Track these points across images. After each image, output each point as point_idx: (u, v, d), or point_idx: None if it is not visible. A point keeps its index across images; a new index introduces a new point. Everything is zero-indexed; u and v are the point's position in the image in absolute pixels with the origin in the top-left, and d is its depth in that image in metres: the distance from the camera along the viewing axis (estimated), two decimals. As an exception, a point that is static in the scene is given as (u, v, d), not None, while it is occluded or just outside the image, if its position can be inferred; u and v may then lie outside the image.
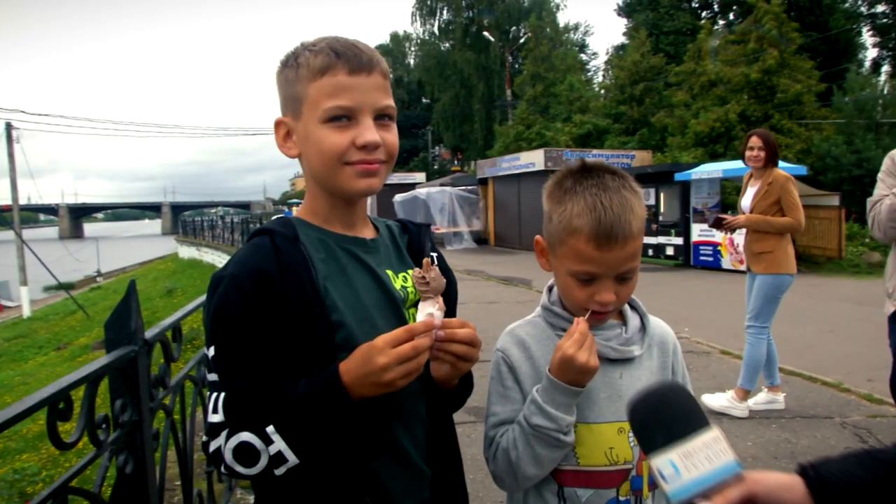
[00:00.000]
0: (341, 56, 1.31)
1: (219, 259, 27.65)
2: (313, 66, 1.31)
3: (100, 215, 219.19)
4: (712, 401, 5.51)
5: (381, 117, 1.35)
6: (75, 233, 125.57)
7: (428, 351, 1.24)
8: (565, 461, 1.46)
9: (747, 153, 5.44)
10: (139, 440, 1.84)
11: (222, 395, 1.26)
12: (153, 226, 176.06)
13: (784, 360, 7.20)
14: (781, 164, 17.71)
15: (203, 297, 3.00)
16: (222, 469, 1.27)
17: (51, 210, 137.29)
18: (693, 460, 0.91)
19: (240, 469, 1.24)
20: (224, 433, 1.25)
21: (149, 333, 1.98)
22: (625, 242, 1.37)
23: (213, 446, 1.27)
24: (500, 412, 1.53)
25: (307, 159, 1.37)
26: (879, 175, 3.84)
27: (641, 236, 1.42)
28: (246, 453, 1.22)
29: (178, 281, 28.44)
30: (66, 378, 1.46)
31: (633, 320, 1.55)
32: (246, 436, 1.22)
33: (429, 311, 1.31)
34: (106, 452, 1.68)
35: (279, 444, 1.21)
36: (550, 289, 1.60)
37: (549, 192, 1.50)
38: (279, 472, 1.24)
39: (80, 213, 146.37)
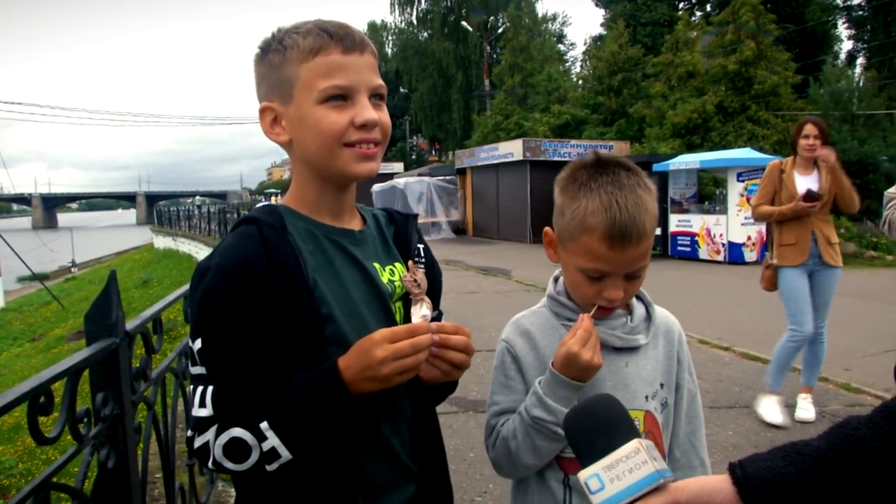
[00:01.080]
0: (333, 36, 1.28)
1: (195, 249, 27.41)
2: (304, 48, 1.28)
3: (74, 205, 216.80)
4: (803, 414, 5.23)
5: (373, 97, 1.32)
6: (49, 223, 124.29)
7: (427, 350, 1.22)
8: (570, 450, 1.46)
9: (802, 141, 5.11)
10: (121, 434, 1.80)
11: (210, 388, 1.22)
12: (128, 216, 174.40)
13: (764, 350, 7.28)
14: (759, 154, 17.65)
15: (184, 288, 2.97)
16: (210, 465, 1.24)
17: (24, 200, 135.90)
18: (616, 472, 0.93)
19: (229, 465, 1.21)
20: (213, 429, 1.21)
21: (130, 325, 1.94)
22: (638, 242, 1.37)
23: (199, 442, 1.23)
24: (501, 401, 1.54)
25: (301, 143, 1.33)
26: None
27: (652, 237, 1.41)
28: (237, 449, 1.19)
29: (153, 271, 28.17)
30: (46, 371, 1.42)
31: (639, 309, 1.55)
32: (238, 431, 1.19)
33: (423, 313, 1.32)
34: (87, 447, 1.64)
35: (273, 440, 1.18)
36: (556, 279, 1.59)
37: (563, 185, 1.47)
38: (271, 467, 1.21)
39: (54, 203, 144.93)
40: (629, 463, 0.93)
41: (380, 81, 1.33)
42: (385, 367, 1.17)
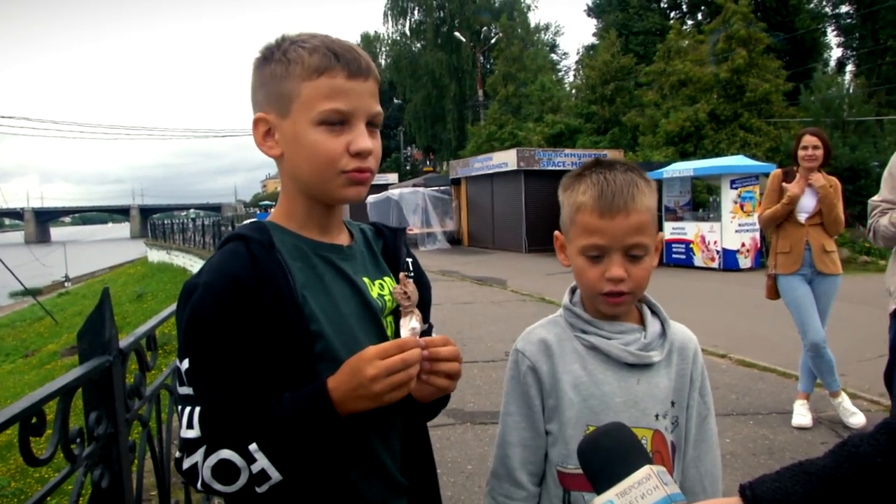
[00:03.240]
0: (341, 58, 1.27)
1: (189, 262, 27.36)
2: (309, 65, 1.26)
3: (67, 219, 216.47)
4: (800, 420, 5.26)
5: (369, 124, 1.31)
6: (42, 237, 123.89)
7: (417, 365, 1.21)
8: (574, 464, 1.45)
9: (801, 152, 5.08)
10: (115, 453, 1.78)
11: (197, 409, 1.20)
12: (122, 229, 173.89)
13: (760, 356, 7.30)
14: (752, 162, 17.72)
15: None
16: (199, 487, 1.22)
17: (16, 214, 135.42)
18: (628, 498, 0.95)
19: (218, 487, 1.19)
20: (201, 450, 1.19)
21: (123, 343, 1.92)
22: (627, 213, 1.39)
23: (187, 463, 1.21)
24: (513, 441, 1.55)
25: (293, 162, 1.31)
26: (885, 174, 3.69)
27: (649, 215, 1.43)
28: (226, 471, 1.18)
29: (147, 285, 28.12)
30: (38, 392, 1.40)
31: (654, 325, 1.53)
32: (226, 453, 1.18)
33: (412, 326, 1.30)
34: (81, 467, 1.62)
35: (262, 461, 1.17)
36: (573, 290, 1.59)
37: (563, 183, 1.52)
38: (261, 489, 1.19)
39: (47, 217, 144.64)
40: (641, 489, 0.95)
41: (378, 109, 1.32)
42: (376, 384, 1.16)
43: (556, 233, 1.55)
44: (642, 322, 1.54)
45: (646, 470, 0.97)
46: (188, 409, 1.22)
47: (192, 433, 1.20)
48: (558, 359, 1.50)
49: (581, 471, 1.43)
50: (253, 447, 1.17)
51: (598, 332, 1.49)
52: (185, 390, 1.24)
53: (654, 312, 1.56)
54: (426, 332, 1.44)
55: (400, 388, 1.19)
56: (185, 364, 1.23)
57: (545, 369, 1.51)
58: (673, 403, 1.49)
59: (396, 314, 1.39)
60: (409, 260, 1.52)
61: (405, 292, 1.34)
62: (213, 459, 1.18)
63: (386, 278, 1.44)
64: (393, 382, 1.17)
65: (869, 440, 0.92)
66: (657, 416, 1.46)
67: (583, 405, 1.46)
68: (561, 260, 1.56)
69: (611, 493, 0.96)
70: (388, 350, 1.18)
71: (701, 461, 1.55)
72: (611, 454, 1.01)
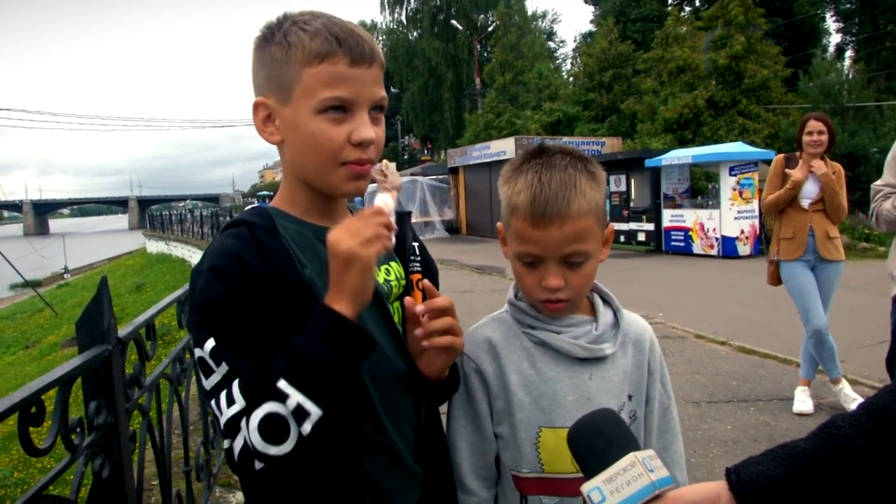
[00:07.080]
0: (343, 44, 1.22)
1: (188, 253, 27.34)
2: (310, 50, 1.22)
3: (66, 211, 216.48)
4: (801, 406, 5.26)
5: (373, 109, 1.28)
6: (41, 229, 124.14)
7: (382, 217, 1.20)
8: (528, 468, 1.40)
9: (806, 138, 5.11)
10: (115, 443, 1.77)
11: (236, 382, 1.15)
12: (120, 221, 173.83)
13: (760, 343, 7.30)
14: (751, 148, 17.69)
15: (177, 293, 2.94)
16: (256, 464, 1.13)
17: (15, 207, 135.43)
18: (615, 485, 0.96)
19: (273, 451, 1.11)
20: (244, 420, 1.13)
21: (122, 332, 1.91)
22: (562, 222, 1.30)
23: (238, 444, 1.13)
24: (462, 447, 1.47)
25: (293, 150, 1.28)
26: (888, 158, 3.67)
27: (589, 219, 1.33)
28: (272, 426, 1.11)
29: (146, 276, 28.12)
30: (37, 381, 1.39)
31: (606, 316, 1.46)
32: (266, 407, 1.11)
33: (385, 199, 1.29)
34: (81, 457, 1.61)
35: (295, 395, 1.11)
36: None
37: (503, 173, 1.43)
38: (305, 430, 1.11)
39: (46, 210, 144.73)
40: (626, 476, 0.96)
41: (382, 93, 1.29)
42: (342, 244, 1.14)
43: (499, 224, 1.47)
44: (594, 312, 1.47)
45: (630, 457, 0.97)
46: (224, 391, 1.16)
47: (236, 407, 1.14)
48: (505, 358, 1.44)
49: (536, 475, 1.41)
50: (282, 384, 1.11)
51: (546, 326, 1.42)
52: (214, 378, 1.18)
53: (606, 302, 1.49)
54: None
55: (370, 242, 1.15)
56: (210, 344, 1.17)
57: (490, 370, 1.45)
58: (630, 397, 1.43)
59: (403, 300, 1.35)
60: (416, 244, 1.48)
61: (382, 170, 1.33)
62: (255, 420, 1.12)
63: (392, 263, 1.41)
64: (356, 232, 1.15)
65: (850, 421, 0.91)
66: None
67: (534, 406, 1.40)
68: (504, 252, 1.48)
69: (598, 480, 0.97)
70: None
71: (667, 451, 1.49)
72: (599, 441, 1.01)
